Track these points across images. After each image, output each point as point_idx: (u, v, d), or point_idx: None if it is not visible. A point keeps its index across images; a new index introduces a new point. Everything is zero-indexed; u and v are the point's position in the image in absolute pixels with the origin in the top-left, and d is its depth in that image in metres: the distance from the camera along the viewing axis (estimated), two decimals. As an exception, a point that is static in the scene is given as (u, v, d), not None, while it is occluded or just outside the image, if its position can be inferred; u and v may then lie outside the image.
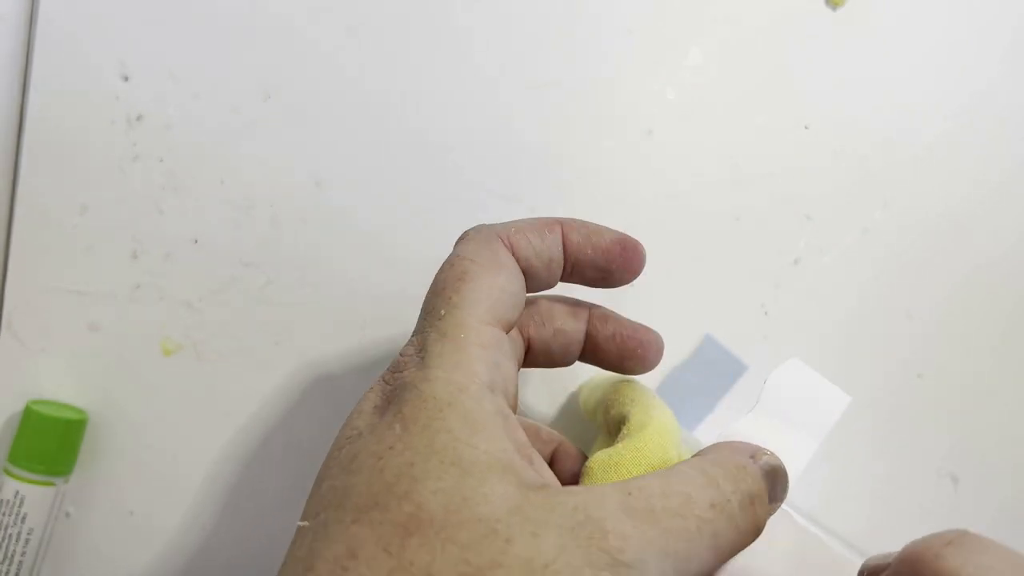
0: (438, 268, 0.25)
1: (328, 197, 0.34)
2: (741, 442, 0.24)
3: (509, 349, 0.24)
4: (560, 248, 0.26)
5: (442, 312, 0.23)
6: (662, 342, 0.29)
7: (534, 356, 0.28)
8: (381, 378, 0.23)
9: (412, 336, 0.24)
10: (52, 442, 0.31)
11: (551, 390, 0.37)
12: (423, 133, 0.35)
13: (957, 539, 0.19)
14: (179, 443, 0.34)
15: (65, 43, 0.31)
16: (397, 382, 0.22)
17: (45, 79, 0.31)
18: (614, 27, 0.36)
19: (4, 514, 0.31)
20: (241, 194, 0.33)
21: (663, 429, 0.28)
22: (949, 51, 0.39)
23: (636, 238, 0.27)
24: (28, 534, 0.31)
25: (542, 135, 0.36)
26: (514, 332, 0.27)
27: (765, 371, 0.38)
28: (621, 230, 0.27)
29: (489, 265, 0.24)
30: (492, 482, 0.19)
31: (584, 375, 0.36)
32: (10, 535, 0.31)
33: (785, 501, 0.24)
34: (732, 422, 0.26)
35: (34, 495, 0.31)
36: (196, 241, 0.33)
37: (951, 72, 0.40)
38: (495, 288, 0.24)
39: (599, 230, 0.27)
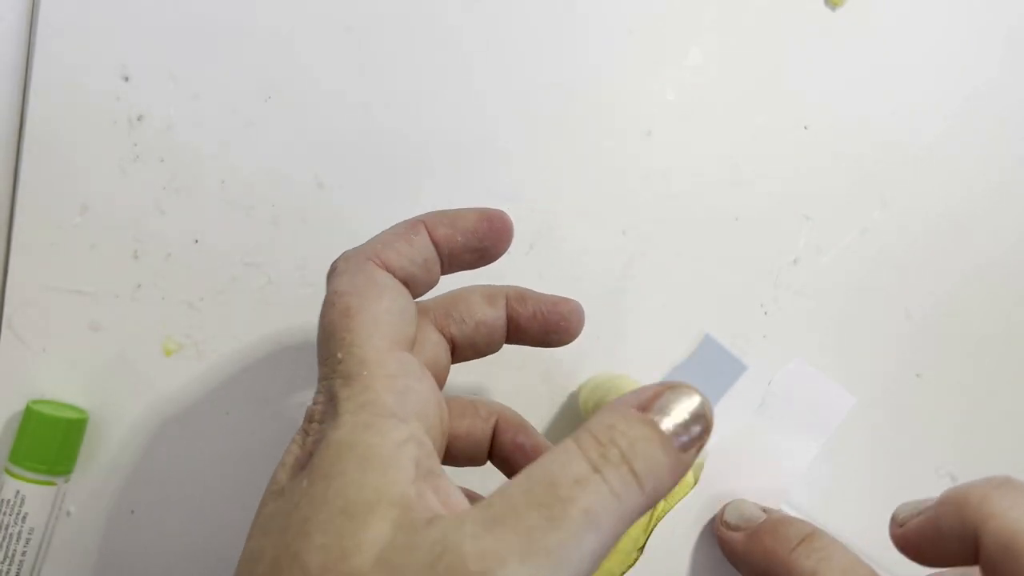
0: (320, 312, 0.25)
1: (328, 197, 0.34)
2: (633, 393, 0.21)
3: (418, 368, 0.24)
4: (431, 246, 0.26)
5: (339, 355, 0.23)
6: (582, 309, 0.29)
7: (461, 353, 0.28)
8: (301, 429, 0.23)
9: (318, 384, 0.23)
10: (53, 442, 0.31)
11: (551, 391, 0.37)
12: (423, 133, 0.35)
13: (1004, 483, 0.19)
14: (180, 442, 0.34)
15: (65, 43, 0.31)
16: (314, 434, 0.22)
17: (45, 79, 0.31)
18: (614, 27, 0.36)
19: (5, 514, 0.31)
20: (242, 194, 0.33)
21: None
22: (949, 51, 0.39)
23: (498, 208, 0.27)
24: (29, 533, 0.31)
25: (542, 135, 0.36)
26: (436, 336, 0.27)
27: (765, 370, 0.38)
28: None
29: (369, 293, 0.24)
30: (372, 524, 0.19)
31: (583, 375, 0.37)
32: (11, 534, 0.31)
33: (786, 500, 0.24)
34: (735, 423, 0.26)
35: (35, 494, 0.31)
36: (197, 241, 0.33)
37: (951, 72, 0.40)
38: (383, 313, 0.24)
39: (461, 214, 0.27)
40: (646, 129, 0.37)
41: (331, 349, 0.23)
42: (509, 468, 0.29)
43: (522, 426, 0.29)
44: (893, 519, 0.21)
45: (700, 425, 0.20)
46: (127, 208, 0.32)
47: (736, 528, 0.20)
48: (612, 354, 0.38)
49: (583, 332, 0.37)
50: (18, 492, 0.31)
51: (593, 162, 0.36)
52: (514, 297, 0.28)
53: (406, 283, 0.26)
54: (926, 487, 0.41)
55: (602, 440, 0.20)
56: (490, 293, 0.28)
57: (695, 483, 0.28)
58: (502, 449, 0.29)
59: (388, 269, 0.25)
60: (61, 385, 0.33)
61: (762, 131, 0.38)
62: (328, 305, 0.24)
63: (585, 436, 0.20)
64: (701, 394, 0.21)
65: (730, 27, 0.37)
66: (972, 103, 0.40)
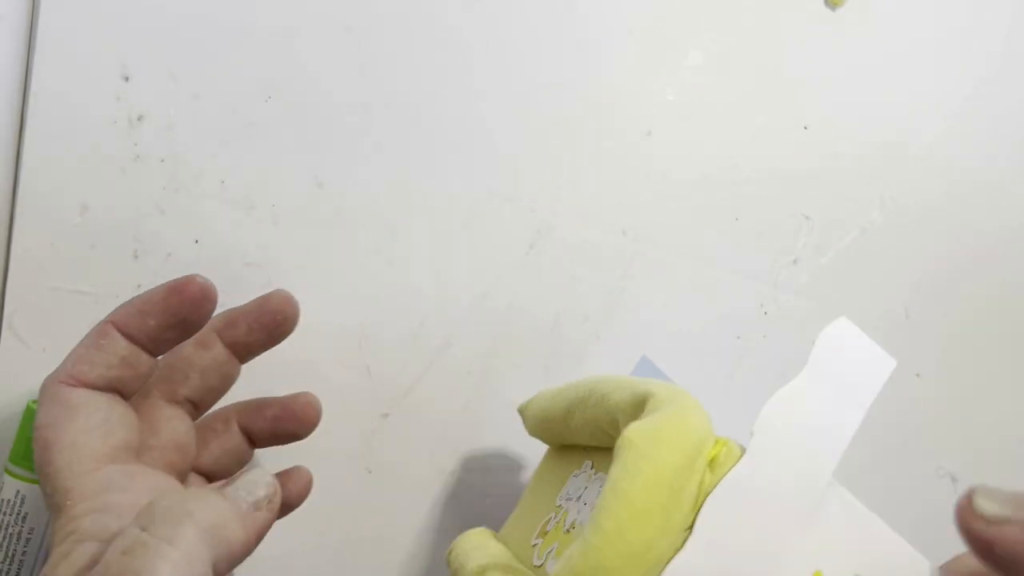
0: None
1: (328, 197, 0.34)
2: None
3: (122, 477, 0.24)
4: (124, 342, 0.26)
5: (48, 490, 0.23)
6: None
7: (205, 403, 0.29)
8: None
9: None
10: (53, 442, 0.31)
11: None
12: (423, 133, 0.35)
13: None
14: (180, 443, 0.34)
15: (65, 43, 0.31)
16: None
17: (46, 79, 0.31)
18: (614, 27, 0.36)
19: (5, 514, 0.31)
20: (242, 194, 0.33)
21: (697, 403, 0.26)
22: (948, 51, 0.39)
23: (188, 275, 0.26)
24: (29, 534, 0.31)
25: (542, 135, 0.36)
26: (168, 411, 0.28)
27: (766, 371, 0.38)
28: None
29: (63, 419, 0.24)
30: None
31: (584, 373, 0.36)
32: (11, 535, 0.31)
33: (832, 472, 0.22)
34: (780, 388, 0.24)
35: (35, 495, 0.31)
36: (197, 241, 0.33)
37: (950, 72, 0.40)
38: (79, 435, 0.24)
39: (148, 296, 0.26)
40: (646, 129, 0.37)
41: (43, 487, 0.24)
42: (283, 439, 0.30)
43: (260, 404, 0.30)
44: (978, 515, 0.17)
45: (264, 489, 0.23)
46: (127, 208, 0.32)
47: (1005, 520, 0.16)
48: (612, 354, 0.38)
49: (584, 331, 0.37)
50: (18, 492, 0.31)
51: (593, 162, 0.36)
52: (222, 323, 0.28)
53: (113, 387, 0.26)
54: (925, 487, 0.41)
55: (154, 507, 0.21)
56: (198, 339, 0.28)
57: (742, 452, 0.26)
58: (263, 433, 0.30)
59: (84, 384, 0.25)
60: (61, 385, 0.33)
61: (762, 131, 0.38)
62: (33, 443, 0.25)
63: (143, 512, 0.21)
64: (266, 471, 0.23)
65: (730, 27, 0.37)
66: (972, 103, 0.40)
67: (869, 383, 0.25)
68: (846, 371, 0.25)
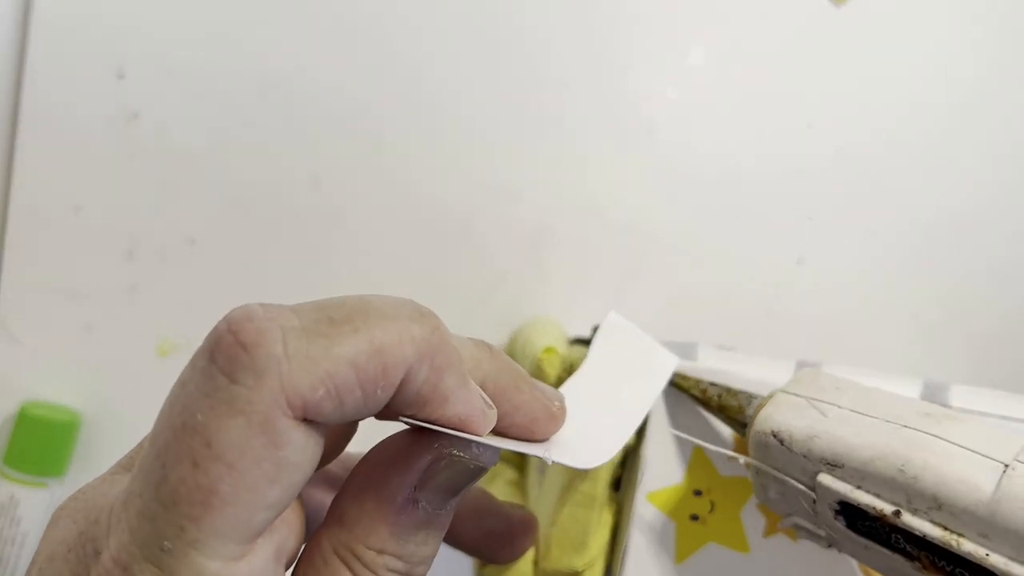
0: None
1: (328, 197, 0.34)
2: None
3: None
4: None
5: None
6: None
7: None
8: None
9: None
10: (46, 444, 0.31)
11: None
12: (423, 133, 0.34)
13: None
14: (175, 445, 0.34)
15: (60, 40, 0.31)
16: None
17: (40, 76, 0.31)
18: (615, 26, 0.36)
19: (-2, 516, 0.31)
20: (238, 194, 0.33)
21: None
22: (954, 50, 0.39)
23: None
24: (23, 536, 0.31)
25: (542, 134, 0.36)
26: None
27: (766, 373, 0.38)
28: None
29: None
30: None
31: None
32: (4, 537, 0.31)
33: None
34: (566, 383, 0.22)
35: (28, 497, 0.31)
36: (193, 241, 0.33)
37: (955, 71, 0.39)
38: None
39: None
40: (647, 128, 0.37)
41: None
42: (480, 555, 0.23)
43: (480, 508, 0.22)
44: None
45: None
46: (121, 208, 0.32)
47: None
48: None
49: (585, 331, 0.37)
50: (12, 495, 0.31)
51: (593, 162, 0.36)
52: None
53: None
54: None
55: None
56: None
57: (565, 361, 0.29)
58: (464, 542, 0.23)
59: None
60: (55, 386, 0.33)
61: (765, 130, 0.38)
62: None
63: None
64: None
65: (732, 26, 0.37)
66: (977, 101, 0.40)
67: (651, 382, 0.24)
68: (627, 368, 0.24)
